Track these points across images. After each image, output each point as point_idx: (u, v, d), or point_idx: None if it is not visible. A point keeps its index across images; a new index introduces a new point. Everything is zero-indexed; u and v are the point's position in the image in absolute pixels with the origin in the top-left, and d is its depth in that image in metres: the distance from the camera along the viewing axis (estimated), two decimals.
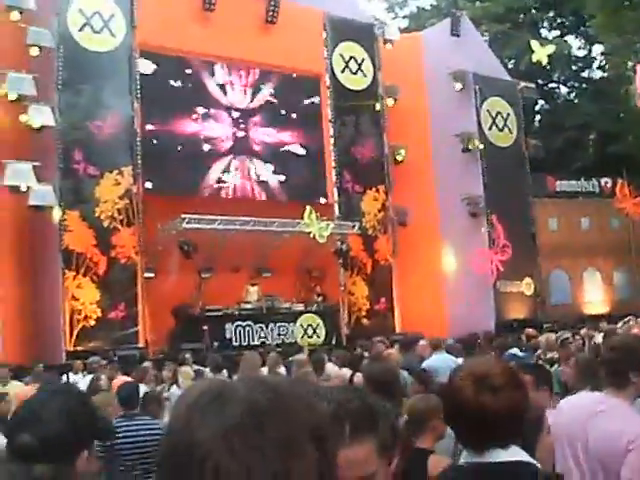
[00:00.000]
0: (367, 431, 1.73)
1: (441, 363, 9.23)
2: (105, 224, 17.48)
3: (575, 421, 3.31)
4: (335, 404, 1.75)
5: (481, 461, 2.19)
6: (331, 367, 10.09)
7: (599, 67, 40.06)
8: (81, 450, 1.94)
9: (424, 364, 10.07)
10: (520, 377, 2.38)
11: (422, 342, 12.71)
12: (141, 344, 17.50)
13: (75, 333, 16.70)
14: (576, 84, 40.17)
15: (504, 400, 2.15)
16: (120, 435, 5.92)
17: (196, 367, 12.23)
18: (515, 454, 2.17)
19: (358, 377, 9.03)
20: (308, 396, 1.11)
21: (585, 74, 40.25)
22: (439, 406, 4.22)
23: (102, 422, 2.30)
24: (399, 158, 22.70)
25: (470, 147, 22.76)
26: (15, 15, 17.02)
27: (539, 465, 2.24)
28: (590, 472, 3.13)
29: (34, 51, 17.14)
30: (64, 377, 13.36)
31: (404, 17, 41.31)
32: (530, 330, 13.99)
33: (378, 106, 22.79)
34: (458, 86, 23.57)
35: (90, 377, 11.83)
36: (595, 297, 26.97)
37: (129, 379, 10.29)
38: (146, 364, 12.43)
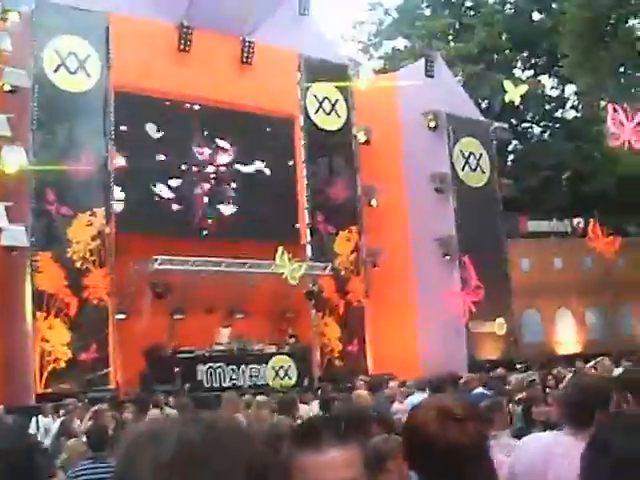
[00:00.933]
0: (352, 437, 1.75)
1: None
2: (77, 265, 17.45)
3: (534, 461, 3.32)
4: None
5: None
6: (305, 409, 10.15)
7: (572, 107, 40.73)
8: None
9: (408, 402, 10.12)
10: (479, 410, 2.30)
11: (392, 383, 12.78)
12: (112, 386, 17.36)
13: (45, 375, 16.58)
14: (549, 124, 40.70)
15: (470, 431, 2.11)
16: (87, 478, 5.95)
17: (168, 410, 12.15)
18: None
19: None
20: (245, 431, 1.13)
21: (558, 114, 40.85)
22: (398, 447, 4.17)
23: (41, 456, 2.35)
24: (373, 204, 22.83)
25: (442, 188, 22.94)
26: None
27: None
28: None
29: (6, 88, 17.19)
30: (33, 420, 13.26)
31: (379, 58, 41.79)
32: (499, 370, 14.02)
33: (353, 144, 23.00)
34: (431, 126, 23.77)
35: (61, 420, 11.79)
36: (568, 337, 27.16)
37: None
38: (103, 406, 12.33)
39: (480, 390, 9.72)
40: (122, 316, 18.02)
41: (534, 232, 28.47)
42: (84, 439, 8.25)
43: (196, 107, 20.78)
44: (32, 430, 12.92)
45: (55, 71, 18.07)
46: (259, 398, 9.80)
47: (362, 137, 23.23)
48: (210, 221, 20.62)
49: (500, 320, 23.12)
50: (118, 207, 18.75)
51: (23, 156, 16.97)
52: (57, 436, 10.97)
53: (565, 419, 3.46)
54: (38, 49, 17.89)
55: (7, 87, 17.25)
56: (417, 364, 20.60)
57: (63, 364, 16.81)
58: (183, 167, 20.46)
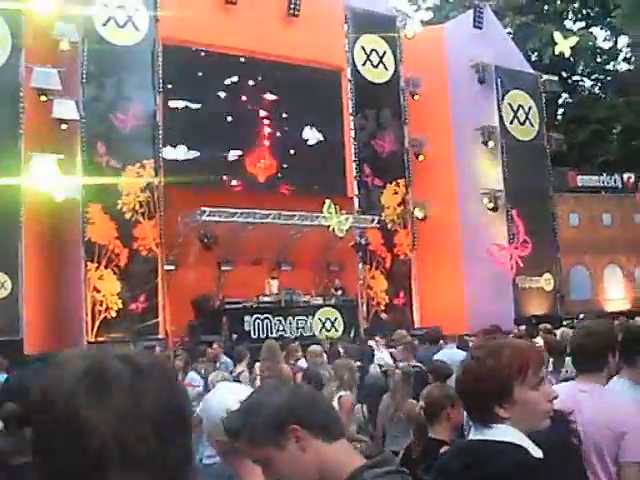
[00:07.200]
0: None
1: (448, 357, 9.22)
2: (127, 216, 17.69)
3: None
4: None
5: (471, 439, 2.21)
6: None
7: (625, 59, 39.67)
8: None
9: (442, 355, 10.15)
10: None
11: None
12: (161, 335, 17.69)
13: (96, 324, 16.93)
14: (601, 77, 39.73)
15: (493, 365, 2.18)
16: None
17: (225, 358, 12.31)
18: (503, 434, 2.11)
19: None
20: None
21: (610, 66, 39.81)
22: (454, 395, 4.12)
23: None
24: (420, 159, 22.69)
25: (490, 143, 22.64)
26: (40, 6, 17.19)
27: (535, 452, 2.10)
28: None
29: (63, 45, 17.27)
30: None
31: (427, 9, 40.93)
32: (545, 325, 13.90)
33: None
34: (480, 79, 23.40)
35: None
36: (616, 294, 26.81)
37: None
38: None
39: None
40: (171, 267, 18.28)
41: (583, 187, 27.98)
42: None
43: (243, 59, 20.71)
44: None
45: (104, 25, 18.14)
46: (313, 347, 9.92)
47: (410, 89, 22.97)
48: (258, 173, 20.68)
49: (547, 276, 22.94)
50: (166, 159, 18.84)
51: (74, 109, 17.16)
52: None
53: (578, 366, 3.48)
54: (87, 3, 17.92)
55: (62, 45, 17.31)
56: (463, 318, 20.54)
57: (114, 314, 17.14)
58: (230, 119, 20.45)
